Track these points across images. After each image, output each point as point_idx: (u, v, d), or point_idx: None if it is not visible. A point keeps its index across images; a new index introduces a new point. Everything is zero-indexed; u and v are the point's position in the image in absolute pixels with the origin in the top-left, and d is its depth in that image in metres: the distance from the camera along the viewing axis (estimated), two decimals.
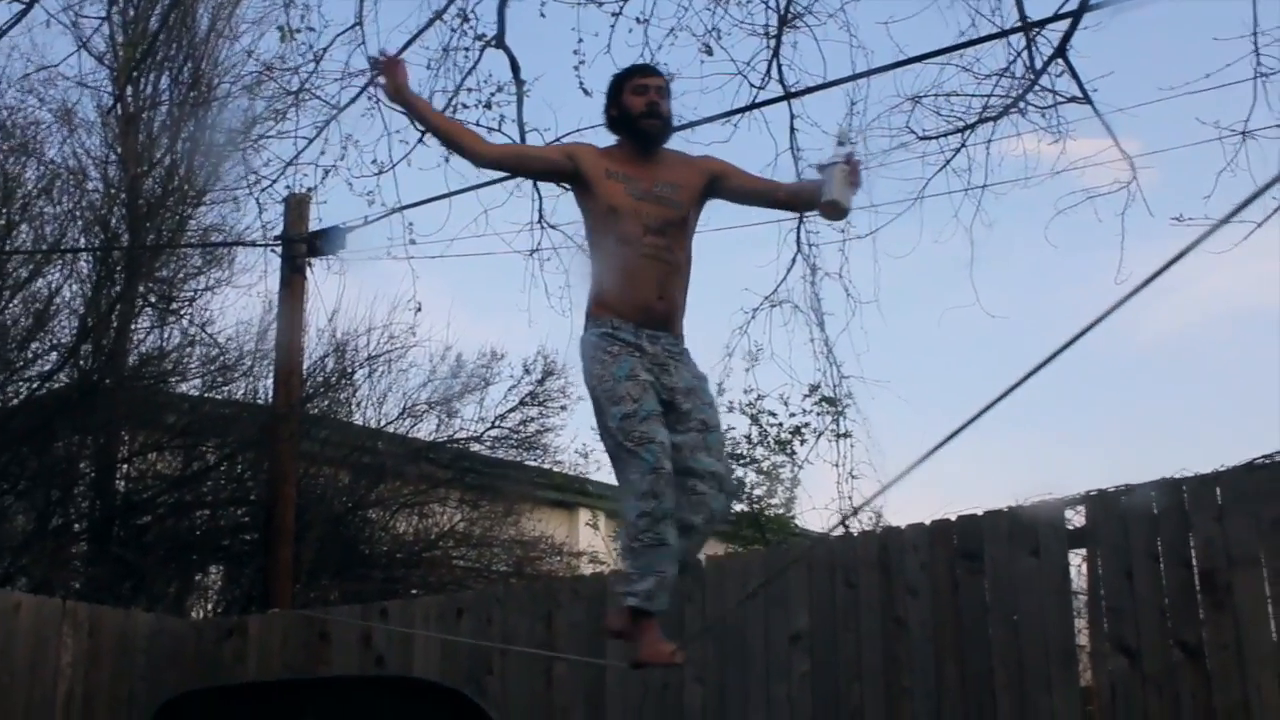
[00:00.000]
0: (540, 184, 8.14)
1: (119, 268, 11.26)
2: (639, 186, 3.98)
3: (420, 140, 8.06)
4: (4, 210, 10.75)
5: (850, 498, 8.84)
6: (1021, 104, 7.36)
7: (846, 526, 7.48)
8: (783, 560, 6.26)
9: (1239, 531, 4.89)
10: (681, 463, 3.84)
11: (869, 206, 7.88)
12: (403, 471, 11.19)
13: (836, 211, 3.94)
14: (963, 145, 7.54)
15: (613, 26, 7.54)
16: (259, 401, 10.92)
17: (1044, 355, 3.03)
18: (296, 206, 9.57)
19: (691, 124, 7.12)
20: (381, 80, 4.13)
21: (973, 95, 7.51)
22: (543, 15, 7.74)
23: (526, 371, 11.87)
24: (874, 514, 10.45)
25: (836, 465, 8.90)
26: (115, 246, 11.33)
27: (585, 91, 7.68)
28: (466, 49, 7.89)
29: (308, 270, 9.59)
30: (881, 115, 7.95)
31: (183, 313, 11.55)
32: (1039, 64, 7.09)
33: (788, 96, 7.66)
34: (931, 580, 5.54)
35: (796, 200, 4.28)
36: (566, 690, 6.36)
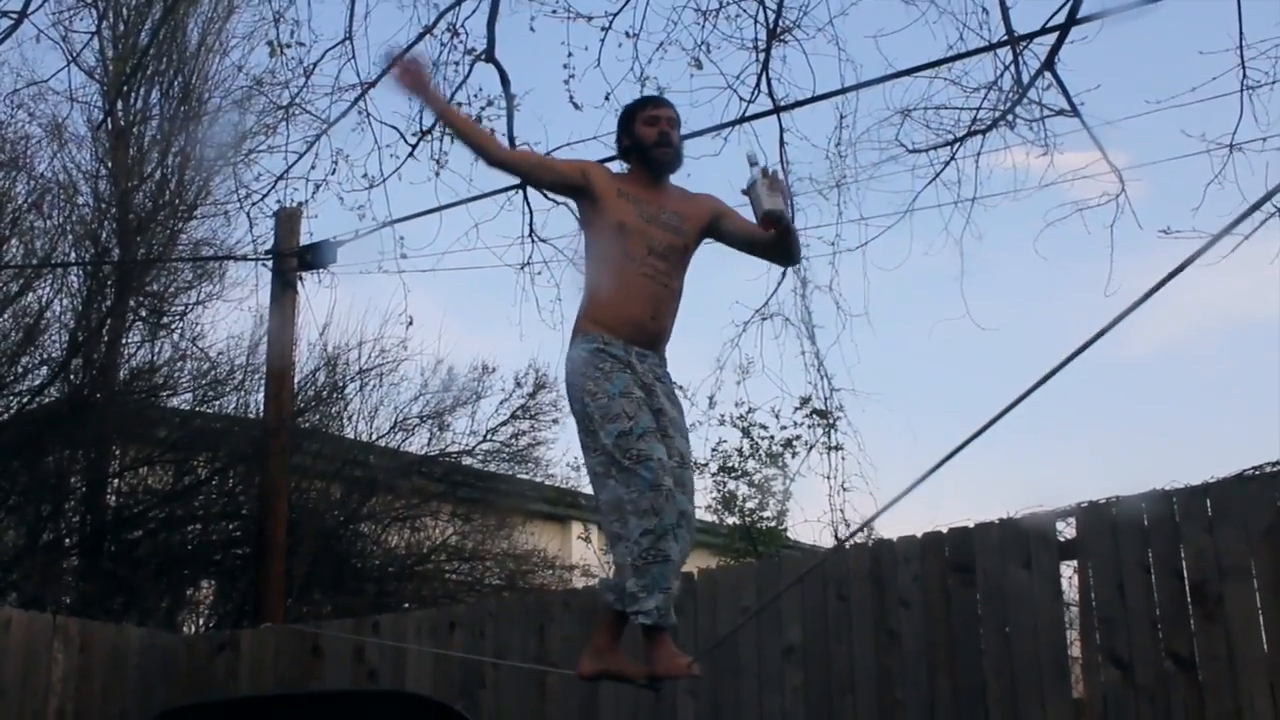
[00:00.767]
0: (533, 197, 8.16)
1: (109, 282, 11.25)
2: (648, 210, 4.05)
3: (411, 154, 8.09)
4: None
5: (842, 510, 8.85)
6: (1010, 117, 7.40)
7: (841, 541, 7.48)
8: (774, 573, 6.26)
9: (1230, 542, 4.91)
10: None
11: (859, 220, 7.93)
12: (395, 485, 11.18)
13: (777, 220, 3.98)
14: (952, 158, 7.59)
15: (602, 41, 7.58)
16: (250, 416, 10.91)
17: (1037, 367, 3.06)
18: (287, 221, 9.57)
19: (681, 137, 7.14)
20: (402, 79, 4.15)
21: (961, 108, 7.55)
22: (532, 30, 7.78)
23: (518, 385, 11.89)
24: (866, 527, 10.45)
25: (828, 478, 8.93)
26: (106, 261, 11.33)
27: (575, 105, 7.71)
28: (457, 63, 7.92)
29: (299, 284, 9.58)
30: (871, 128, 8.01)
31: (174, 327, 11.57)
32: (1027, 77, 7.13)
33: (777, 110, 7.69)
34: (923, 592, 5.55)
35: (775, 240, 4.24)
36: (559, 703, 6.36)
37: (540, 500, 12.79)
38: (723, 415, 11.57)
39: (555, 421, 11.96)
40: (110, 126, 11.59)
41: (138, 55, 11.43)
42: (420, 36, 7.74)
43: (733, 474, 12.08)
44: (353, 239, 9.07)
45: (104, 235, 11.53)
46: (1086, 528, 5.28)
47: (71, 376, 10.88)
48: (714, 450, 12.03)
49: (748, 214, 4.10)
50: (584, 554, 12.82)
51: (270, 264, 9.61)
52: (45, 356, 10.91)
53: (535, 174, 4.49)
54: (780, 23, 7.57)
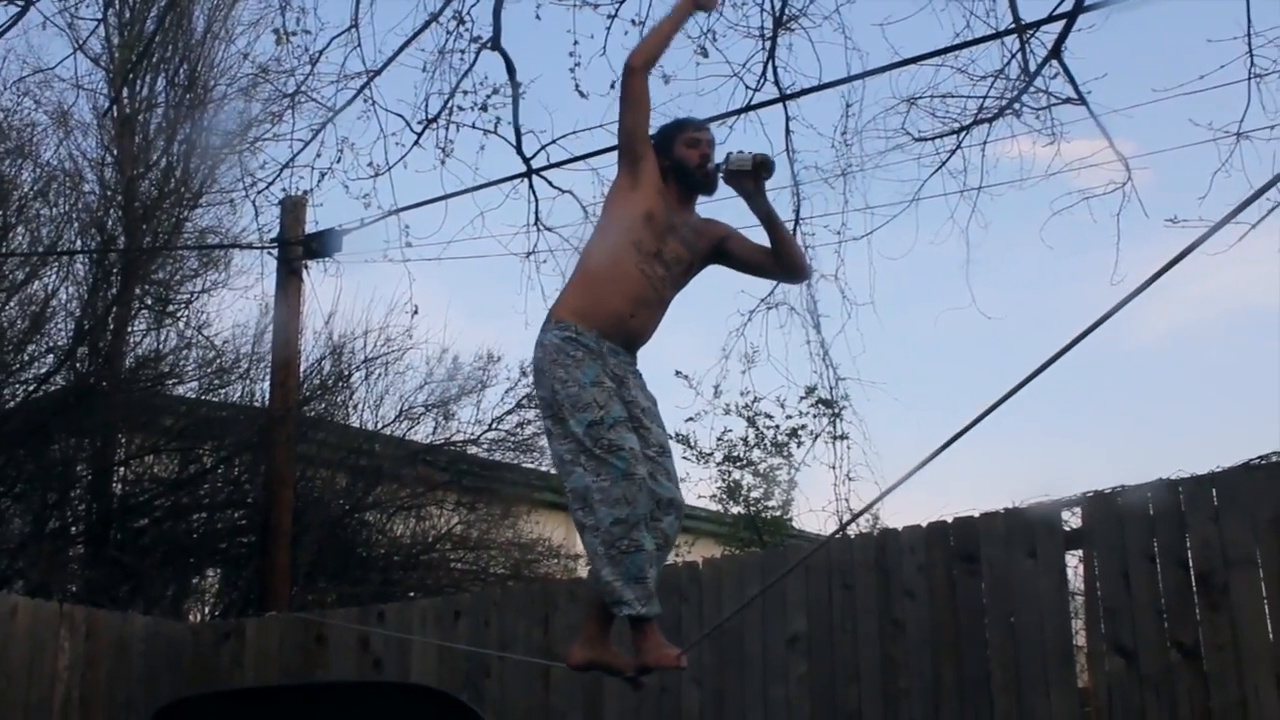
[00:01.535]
0: (539, 186, 8.13)
1: (115, 270, 11.25)
2: (674, 219, 4.07)
3: (416, 142, 8.07)
4: (0, 212, 10.74)
5: (847, 500, 8.83)
6: (1017, 105, 7.37)
7: (843, 525, 7.47)
8: (779, 563, 6.25)
9: (1236, 532, 4.90)
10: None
11: (865, 209, 7.90)
12: (400, 474, 11.18)
13: (766, 163, 4.07)
14: (958, 147, 7.55)
15: (608, 28, 7.55)
16: (256, 404, 10.91)
17: (1043, 356, 3.04)
18: (293, 209, 9.56)
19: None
20: None
21: (968, 97, 7.51)
22: (538, 18, 7.75)
23: (523, 374, 11.86)
24: (871, 516, 10.45)
25: (833, 467, 8.89)
26: (111, 249, 11.32)
27: (581, 93, 7.68)
28: (462, 51, 7.89)
29: (304, 273, 9.58)
30: (877, 117, 7.96)
31: (179, 315, 11.56)
32: (1034, 65, 7.10)
33: (783, 98, 7.66)
34: (929, 582, 5.55)
35: (781, 259, 4.25)
36: (564, 693, 6.36)
37: (545, 489, 12.78)
38: (728, 404, 11.56)
39: None
40: (116, 114, 11.58)
41: (144, 43, 11.41)
42: (426, 24, 7.72)
43: (738, 463, 12.07)
44: (358, 227, 9.07)
45: (110, 223, 11.53)
46: (1092, 517, 5.28)
47: (77, 364, 10.89)
48: (719, 440, 12.03)
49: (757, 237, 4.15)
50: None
51: (276, 252, 9.61)
52: (51, 344, 10.93)
53: (636, 107, 4.12)
54: (787, 11, 7.54)
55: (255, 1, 12.63)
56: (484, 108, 8.00)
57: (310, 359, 11.13)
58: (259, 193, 9.33)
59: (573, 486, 3.80)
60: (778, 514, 12.11)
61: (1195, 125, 6.61)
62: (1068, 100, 7.14)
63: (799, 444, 11.67)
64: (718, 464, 11.99)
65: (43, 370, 10.77)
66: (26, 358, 10.70)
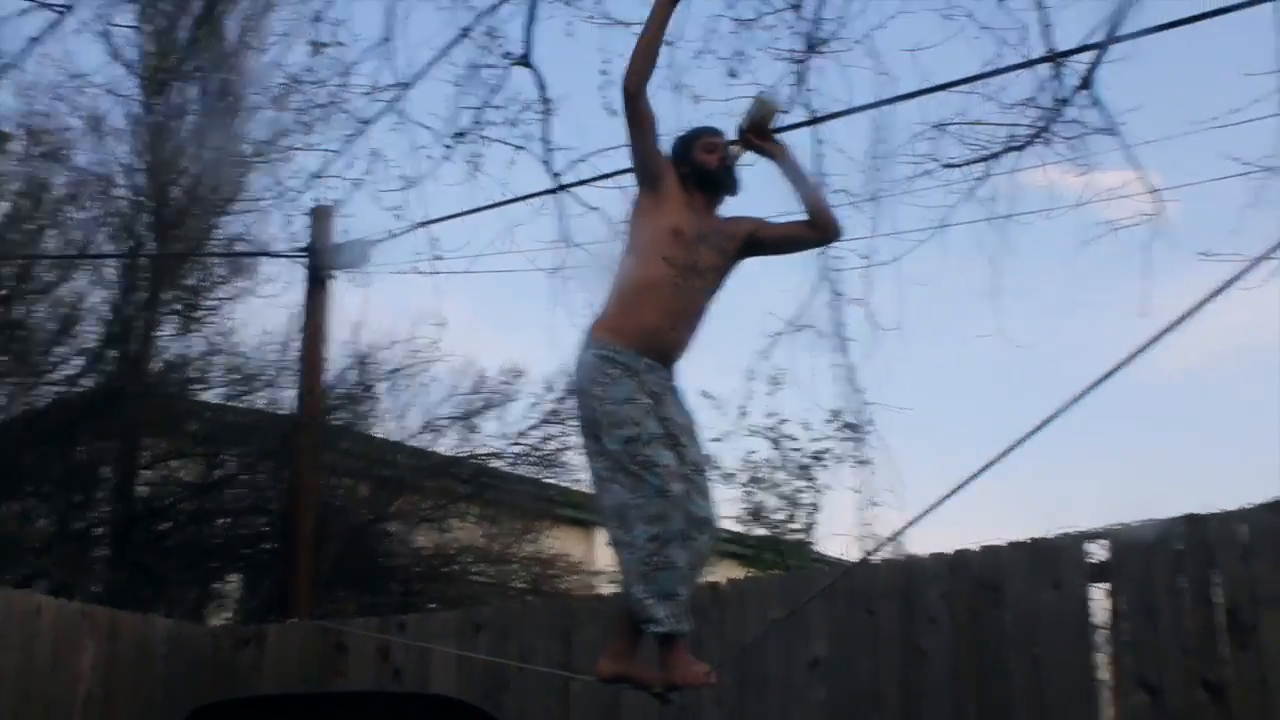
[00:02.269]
0: (567, 201, 8.15)
1: (145, 275, 11.34)
2: (701, 228, 4.11)
3: (446, 156, 8.10)
4: (33, 215, 10.84)
5: (870, 524, 8.81)
6: (1047, 134, 7.35)
7: (867, 555, 7.46)
8: (803, 585, 6.24)
9: (1265, 570, 4.86)
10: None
11: (893, 233, 7.88)
12: (423, 485, 11.21)
13: (764, 108, 4.22)
14: (987, 174, 7.53)
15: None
16: (281, 412, 10.96)
17: (1070, 385, 3.04)
18: (322, 219, 9.62)
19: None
20: None
21: (998, 124, 7.50)
22: (570, 35, 7.77)
23: (549, 389, 11.89)
24: (895, 543, 10.42)
25: (857, 492, 8.87)
26: (142, 253, 11.41)
27: (610, 111, 7.69)
28: (493, 66, 7.91)
29: (331, 282, 9.63)
30: (907, 142, 7.94)
31: (207, 321, 11.63)
32: (1065, 94, 7.09)
33: (813, 121, 7.66)
34: (952, 611, 5.53)
35: (812, 219, 4.27)
36: (583, 709, 6.36)
37: (567, 505, 12.79)
38: (753, 426, 11.54)
39: None
40: (149, 121, 11.68)
41: (178, 51, 11.51)
42: (458, 39, 7.75)
43: (762, 485, 12.04)
44: (387, 238, 9.10)
45: (140, 228, 11.62)
46: (1119, 550, 5.25)
47: (105, 367, 10.97)
48: (744, 461, 12.01)
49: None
50: (610, 560, 12.81)
51: (304, 261, 9.66)
52: (80, 347, 11.02)
53: (643, 130, 4.12)
54: (818, 34, 7.55)
55: (289, 12, 12.70)
56: (514, 123, 8.01)
57: (336, 368, 11.19)
58: (289, 202, 9.39)
59: (609, 504, 3.83)
60: (800, 537, 12.07)
61: (1229, 160, 6.58)
62: (1098, 130, 7.13)
63: (823, 467, 11.64)
64: (742, 485, 11.96)
65: (71, 372, 10.86)
66: (56, 359, 10.80)
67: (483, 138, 8.04)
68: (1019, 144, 7.48)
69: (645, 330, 3.96)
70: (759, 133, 4.22)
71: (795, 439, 11.80)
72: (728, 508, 12.20)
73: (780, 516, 12.07)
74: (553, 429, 11.78)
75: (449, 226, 8.86)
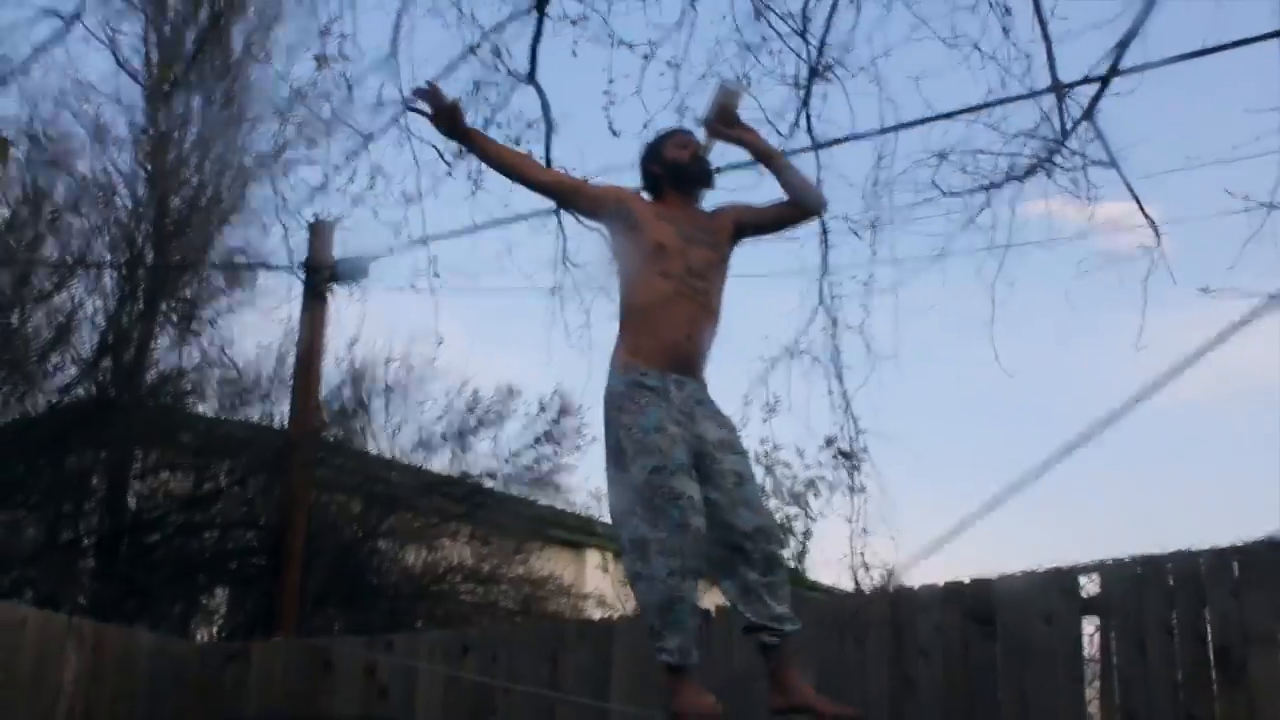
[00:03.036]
0: (567, 222, 8.15)
1: (142, 285, 11.32)
2: (684, 230, 4.09)
3: (448, 173, 8.10)
4: (32, 222, 10.83)
5: (862, 553, 8.75)
6: (1048, 165, 7.36)
7: (860, 587, 7.42)
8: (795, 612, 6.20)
9: (1256, 608, 4.83)
10: (721, 519, 3.85)
11: (892, 261, 7.88)
12: (414, 503, 11.17)
13: (726, 95, 4.24)
14: (988, 204, 7.54)
15: (644, 69, 7.57)
16: (274, 426, 10.93)
17: (1066, 417, 3.01)
18: (322, 233, 9.62)
19: (718, 169, 7.13)
20: (429, 111, 4.17)
21: (999, 154, 7.50)
22: (575, 55, 7.78)
23: (543, 409, 11.86)
24: (885, 573, 10.37)
25: (850, 520, 8.82)
26: (140, 264, 11.39)
27: (614, 132, 7.69)
28: (498, 84, 7.92)
29: (329, 297, 9.62)
30: (908, 169, 7.95)
31: (203, 333, 11.61)
32: (1068, 126, 7.10)
33: (816, 147, 7.67)
34: (943, 642, 5.49)
35: (793, 197, 4.27)
36: None
37: (559, 526, 12.75)
38: (747, 452, 11.49)
39: (578, 448, 11.92)
40: (152, 130, 11.69)
41: (183, 61, 11.53)
42: (463, 56, 7.76)
43: None
44: (386, 255, 9.10)
45: (139, 238, 11.61)
46: (1110, 585, 5.22)
47: (100, 377, 10.94)
48: None
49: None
50: (599, 583, 12.77)
51: (302, 275, 9.65)
52: (75, 355, 10.99)
53: (572, 198, 4.44)
54: (822, 61, 7.57)
55: (295, 25, 12.73)
56: (517, 141, 8.01)
57: (331, 384, 11.16)
58: (289, 215, 9.38)
59: (629, 536, 3.80)
60: (793, 565, 12.03)
61: (1230, 195, 6.58)
62: (1100, 163, 7.13)
63: (816, 495, 11.61)
64: None
65: (65, 381, 10.83)
66: (50, 368, 10.77)
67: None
68: (1020, 174, 7.49)
69: (666, 346, 3.94)
70: (725, 121, 4.20)
71: (789, 466, 11.78)
72: None
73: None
74: (546, 450, 11.75)
75: (449, 244, 8.85)
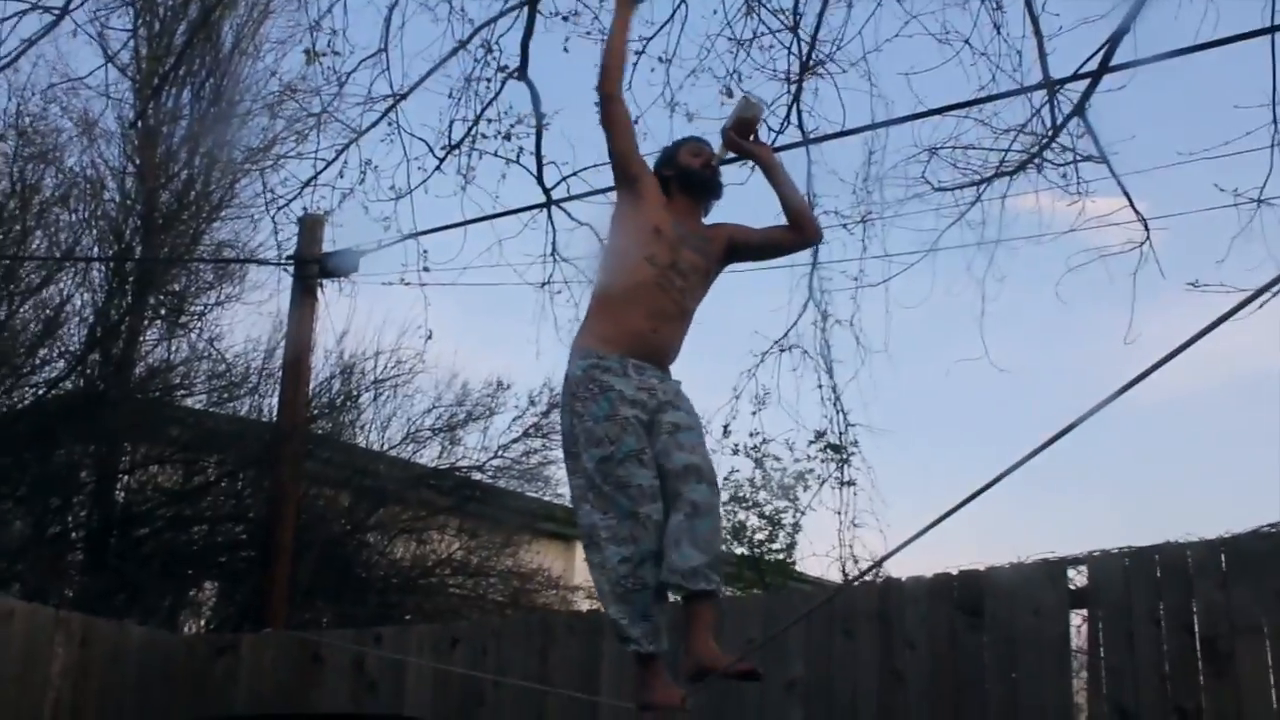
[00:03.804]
0: (557, 216, 8.14)
1: (131, 278, 11.30)
2: (683, 230, 4.09)
3: (438, 168, 8.09)
4: (20, 216, 10.80)
5: (851, 546, 8.80)
6: (1039, 160, 7.38)
7: (849, 581, 7.43)
8: (782, 605, 6.22)
9: (1243, 599, 4.86)
10: (659, 467, 3.80)
11: (883, 255, 7.90)
12: (403, 497, 11.17)
13: (749, 109, 4.25)
14: (978, 199, 7.56)
15: (634, 65, 7.56)
16: (263, 420, 10.92)
17: (1055, 410, 3.02)
18: (311, 227, 9.60)
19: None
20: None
21: (990, 149, 7.53)
22: (566, 50, 7.77)
23: (532, 403, 11.87)
24: (872, 562, 10.38)
25: (839, 513, 8.84)
26: (128, 258, 11.37)
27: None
28: (488, 79, 7.91)
29: (319, 291, 9.61)
30: (899, 164, 7.97)
31: (192, 327, 11.60)
32: (1058, 121, 7.12)
33: (806, 142, 7.68)
34: (930, 634, 5.50)
35: (792, 222, 4.26)
36: None
37: (547, 519, 12.75)
38: (736, 445, 11.52)
39: None
40: (140, 125, 11.66)
41: (173, 56, 11.49)
42: (454, 51, 7.75)
43: (744, 504, 12.02)
44: (376, 249, 9.08)
45: (128, 232, 11.59)
46: (1098, 577, 5.24)
47: (88, 371, 10.92)
48: (726, 480, 12.00)
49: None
50: (588, 576, 12.76)
51: (292, 269, 9.64)
52: (63, 349, 10.98)
53: (621, 130, 4.18)
54: (813, 56, 7.57)
55: (284, 19, 12.70)
56: (507, 136, 8.02)
57: (320, 377, 11.15)
58: (279, 209, 9.36)
59: (583, 525, 3.80)
60: (781, 557, 12.05)
61: (1219, 190, 6.60)
62: (1090, 158, 7.16)
63: (805, 488, 11.63)
64: (723, 504, 11.95)
65: (53, 374, 10.81)
66: (38, 361, 10.74)
67: (475, 150, 8.05)
68: (1010, 169, 7.52)
69: (630, 333, 3.92)
70: (743, 133, 4.22)
71: (778, 459, 11.79)
72: None
73: (761, 536, 12.05)
74: (535, 443, 11.76)
75: (438, 238, 8.83)
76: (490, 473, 11.78)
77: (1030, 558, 5.47)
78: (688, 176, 4.19)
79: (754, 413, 8.75)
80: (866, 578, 6.17)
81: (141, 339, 11.44)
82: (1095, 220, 7.35)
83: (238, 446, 10.81)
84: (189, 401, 11.41)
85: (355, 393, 11.62)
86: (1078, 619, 5.30)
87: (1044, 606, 5.28)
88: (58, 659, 7.10)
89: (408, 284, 8.75)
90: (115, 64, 10.81)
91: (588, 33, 7.67)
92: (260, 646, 7.51)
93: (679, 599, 3.84)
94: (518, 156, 8.02)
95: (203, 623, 10.93)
